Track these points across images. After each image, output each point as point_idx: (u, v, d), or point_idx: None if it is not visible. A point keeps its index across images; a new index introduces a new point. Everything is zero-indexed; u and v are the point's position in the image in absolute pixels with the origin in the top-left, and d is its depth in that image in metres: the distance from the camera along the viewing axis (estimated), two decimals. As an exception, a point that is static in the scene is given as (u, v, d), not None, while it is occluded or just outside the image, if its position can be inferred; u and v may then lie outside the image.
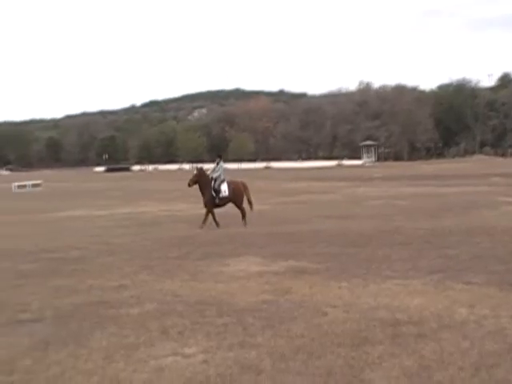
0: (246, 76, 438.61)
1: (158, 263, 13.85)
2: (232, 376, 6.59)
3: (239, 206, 23.09)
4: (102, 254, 15.55)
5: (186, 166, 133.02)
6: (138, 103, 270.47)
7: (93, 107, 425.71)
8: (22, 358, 7.29)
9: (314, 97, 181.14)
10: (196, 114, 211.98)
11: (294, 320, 8.82)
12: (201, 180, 22.58)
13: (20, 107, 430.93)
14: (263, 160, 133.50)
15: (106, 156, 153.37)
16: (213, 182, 22.47)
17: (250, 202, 23.42)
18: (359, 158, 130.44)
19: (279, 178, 72.27)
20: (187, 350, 7.50)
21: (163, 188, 56.05)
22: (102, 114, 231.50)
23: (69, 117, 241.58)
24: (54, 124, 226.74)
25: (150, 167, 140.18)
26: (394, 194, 38.56)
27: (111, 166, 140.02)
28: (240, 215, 22.87)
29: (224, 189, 22.48)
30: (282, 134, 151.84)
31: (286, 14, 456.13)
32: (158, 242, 17.66)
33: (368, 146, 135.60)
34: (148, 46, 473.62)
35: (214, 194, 22.34)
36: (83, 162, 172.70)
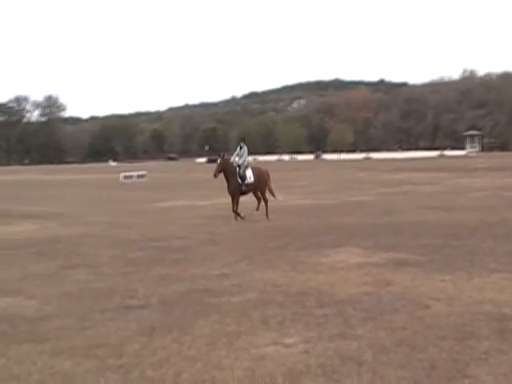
0: (345, 66, 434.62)
1: (258, 253, 13.98)
2: (333, 367, 6.58)
3: (263, 193, 22.52)
4: (204, 243, 15.87)
5: (286, 157, 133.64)
6: (239, 95, 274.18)
7: (195, 99, 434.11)
8: (130, 342, 7.55)
9: (415, 86, 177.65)
10: (295, 104, 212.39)
11: (396, 312, 8.71)
12: (226, 168, 21.62)
13: (126, 101, 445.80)
14: (363, 151, 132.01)
15: (208, 147, 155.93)
16: (237, 169, 21.72)
17: (271, 192, 22.90)
18: (462, 148, 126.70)
19: (379, 169, 71.22)
20: (288, 340, 7.55)
21: (263, 179, 56.39)
22: (204, 105, 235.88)
23: (172, 109, 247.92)
24: (158, 116, 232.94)
25: (250, 158, 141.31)
26: (500, 184, 37.18)
27: (212, 157, 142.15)
28: (256, 207, 22.82)
29: (249, 175, 21.84)
30: (382, 124, 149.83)
31: (385, 2, 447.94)
32: (258, 232, 17.84)
33: (472, 136, 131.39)
34: (248, 39, 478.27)
35: (240, 181, 21.63)
36: (186, 153, 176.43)
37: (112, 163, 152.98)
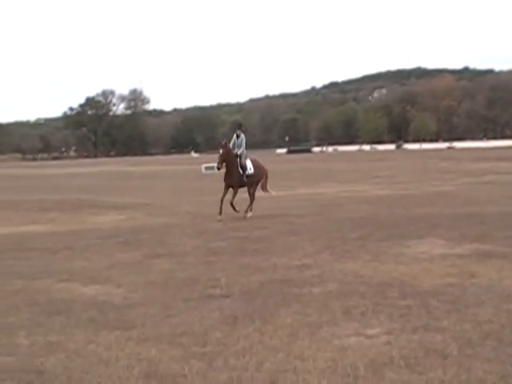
0: (427, 54, 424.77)
1: (339, 243, 13.90)
2: (416, 359, 6.47)
3: (255, 187, 21.01)
4: (284, 234, 15.89)
5: (367, 147, 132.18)
6: (319, 85, 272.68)
7: (275, 90, 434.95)
8: (213, 330, 7.65)
9: (501, 73, 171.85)
10: (376, 94, 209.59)
11: (482, 305, 8.48)
12: (228, 157, 19.48)
13: (208, 92, 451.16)
14: (446, 140, 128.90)
15: (287, 138, 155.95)
16: (237, 159, 19.84)
17: (265, 186, 21.75)
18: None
19: (463, 158, 69.47)
20: (370, 331, 7.47)
21: (344, 169, 56.06)
22: (284, 96, 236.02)
23: (252, 100, 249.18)
24: (239, 107, 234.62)
25: (330, 148, 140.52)
26: None
27: (292, 148, 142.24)
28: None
29: (250, 166, 20.18)
30: (466, 112, 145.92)
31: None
32: (339, 222, 17.71)
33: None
34: (329, 29, 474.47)
35: (241, 172, 19.81)
36: (266, 143, 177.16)
37: (194, 154, 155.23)
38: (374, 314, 8.18)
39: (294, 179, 43.30)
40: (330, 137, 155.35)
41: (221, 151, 19.13)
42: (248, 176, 19.89)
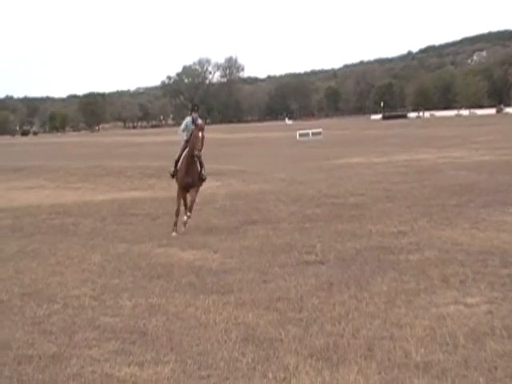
0: None
1: (437, 210, 13.57)
2: None
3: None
4: (380, 200, 15.66)
5: (465, 112, 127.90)
6: (415, 49, 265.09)
7: (370, 56, 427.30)
8: (309, 296, 7.64)
9: None
10: (476, 57, 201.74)
11: None
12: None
13: (302, 59, 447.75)
14: None
15: (383, 104, 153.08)
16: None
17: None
18: None
19: None
20: (470, 300, 7.26)
21: (441, 135, 54.50)
22: (379, 61, 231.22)
23: (347, 66, 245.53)
24: (333, 74, 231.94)
25: (427, 114, 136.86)
26: None
27: (388, 114, 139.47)
28: None
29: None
30: None
31: None
32: (438, 189, 17.27)
33: None
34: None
35: (199, 168, 13.80)
36: (360, 110, 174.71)
37: (288, 121, 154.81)
38: (473, 282, 7.95)
39: (390, 145, 42.48)
40: (426, 102, 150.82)
41: (200, 134, 12.96)
42: (203, 179, 13.85)
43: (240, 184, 22.49)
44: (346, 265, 9.24)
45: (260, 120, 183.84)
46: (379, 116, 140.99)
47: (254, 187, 20.71)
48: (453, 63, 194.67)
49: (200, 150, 12.86)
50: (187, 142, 13.15)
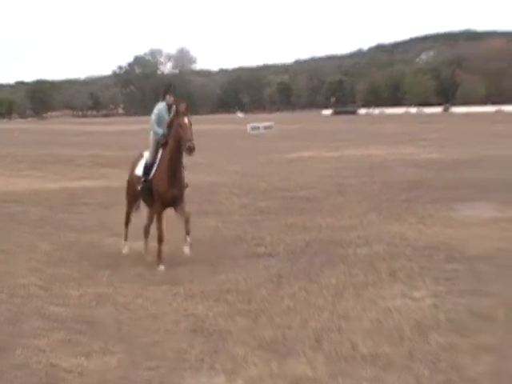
0: (477, 16, 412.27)
1: (386, 205, 13.77)
2: (462, 322, 6.39)
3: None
4: (331, 195, 15.81)
5: (413, 110, 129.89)
6: (365, 47, 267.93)
7: (321, 52, 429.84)
8: (258, 288, 7.68)
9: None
10: (424, 56, 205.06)
11: None
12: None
13: (254, 53, 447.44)
14: (495, 103, 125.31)
15: (334, 99, 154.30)
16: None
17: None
18: None
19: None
20: (416, 294, 7.41)
21: (391, 131, 55.18)
22: (330, 58, 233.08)
23: (298, 62, 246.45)
24: (285, 69, 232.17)
25: (376, 110, 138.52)
26: None
27: (338, 109, 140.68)
28: None
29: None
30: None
31: None
32: (387, 185, 17.51)
33: None
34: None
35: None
36: (312, 105, 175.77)
37: (240, 114, 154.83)
38: (419, 276, 8.11)
39: (341, 140, 42.78)
40: (376, 99, 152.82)
41: (186, 120, 9.10)
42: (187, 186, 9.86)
43: (194, 176, 22.34)
44: (296, 257, 9.30)
45: (212, 112, 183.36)
46: (330, 111, 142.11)
47: (207, 179, 20.62)
48: (402, 61, 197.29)
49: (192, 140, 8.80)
50: (165, 138, 9.03)
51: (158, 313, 6.91)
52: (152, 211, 8.94)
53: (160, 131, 8.91)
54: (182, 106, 9.22)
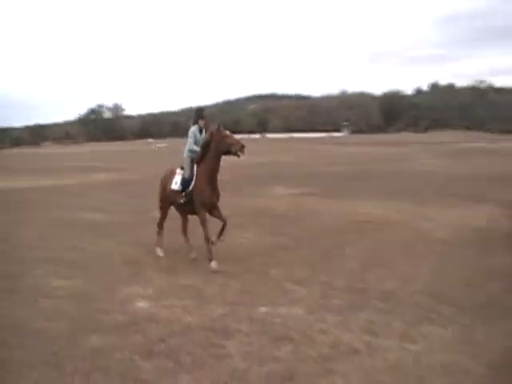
0: (278, 82, 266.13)
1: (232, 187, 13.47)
2: (272, 250, 6.59)
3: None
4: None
5: (257, 136, 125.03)
6: (217, 101, 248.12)
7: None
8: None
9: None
10: (251, 107, 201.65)
11: (305, 219, 8.76)
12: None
13: (175, 99, 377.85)
14: (287, 132, 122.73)
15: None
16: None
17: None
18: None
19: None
20: (247, 235, 7.40)
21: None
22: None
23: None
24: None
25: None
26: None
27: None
28: None
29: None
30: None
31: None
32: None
33: None
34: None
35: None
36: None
37: (150, 140, 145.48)
38: (249, 225, 8.19)
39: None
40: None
41: (228, 132, 6.21)
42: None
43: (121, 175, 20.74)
44: None
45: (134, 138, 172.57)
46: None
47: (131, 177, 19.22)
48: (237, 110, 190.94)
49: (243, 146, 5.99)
50: (202, 156, 6.18)
51: (103, 252, 6.56)
52: (199, 217, 6.07)
53: (197, 149, 6.22)
54: (218, 126, 6.17)
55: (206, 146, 6.09)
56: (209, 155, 6.09)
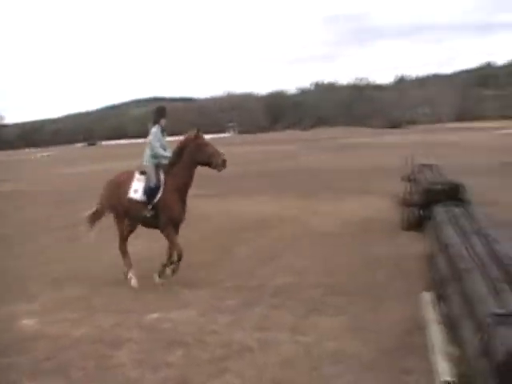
0: (162, 85, 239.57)
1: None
2: (163, 256, 5.81)
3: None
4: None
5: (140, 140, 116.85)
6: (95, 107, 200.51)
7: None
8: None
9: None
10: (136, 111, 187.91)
11: (198, 221, 8.02)
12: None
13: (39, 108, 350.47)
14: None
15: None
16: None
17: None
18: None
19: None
20: (138, 242, 6.77)
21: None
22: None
23: (68, 116, 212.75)
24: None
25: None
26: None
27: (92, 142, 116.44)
28: None
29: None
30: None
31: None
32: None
33: None
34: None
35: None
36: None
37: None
38: (139, 232, 7.26)
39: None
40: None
41: (206, 141, 5.44)
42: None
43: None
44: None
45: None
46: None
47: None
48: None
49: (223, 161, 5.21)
50: (171, 165, 5.26)
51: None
52: (166, 234, 5.28)
53: (168, 154, 5.21)
54: (197, 131, 5.30)
55: (177, 154, 5.12)
56: (180, 165, 5.12)
